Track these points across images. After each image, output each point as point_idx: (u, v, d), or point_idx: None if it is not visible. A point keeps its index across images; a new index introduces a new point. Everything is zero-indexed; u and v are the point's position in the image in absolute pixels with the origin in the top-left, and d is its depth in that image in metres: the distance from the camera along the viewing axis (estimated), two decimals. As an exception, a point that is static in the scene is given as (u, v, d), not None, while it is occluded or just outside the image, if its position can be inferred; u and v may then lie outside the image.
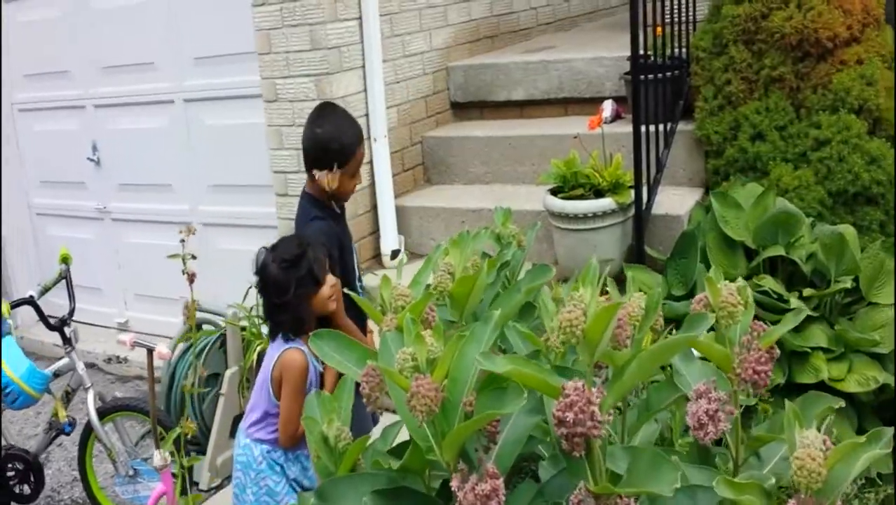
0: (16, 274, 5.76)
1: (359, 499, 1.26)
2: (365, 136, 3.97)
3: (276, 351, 2.40)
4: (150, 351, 2.87)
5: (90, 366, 5.19)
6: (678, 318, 3.07)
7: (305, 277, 2.35)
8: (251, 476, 2.43)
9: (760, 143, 3.49)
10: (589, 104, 4.15)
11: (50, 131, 5.43)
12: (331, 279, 2.42)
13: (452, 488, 1.12)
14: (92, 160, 5.22)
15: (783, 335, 2.75)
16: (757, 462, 1.34)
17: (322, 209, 2.66)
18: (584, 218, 3.34)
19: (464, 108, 4.57)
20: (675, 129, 3.63)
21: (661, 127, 3.50)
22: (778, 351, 1.32)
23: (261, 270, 2.41)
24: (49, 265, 5.71)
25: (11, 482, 3.40)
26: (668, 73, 3.59)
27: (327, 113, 2.70)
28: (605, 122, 3.90)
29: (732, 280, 3.08)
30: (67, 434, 3.47)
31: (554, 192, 3.49)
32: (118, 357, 5.31)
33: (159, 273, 4.48)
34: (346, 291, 2.10)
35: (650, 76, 3.43)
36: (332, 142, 2.58)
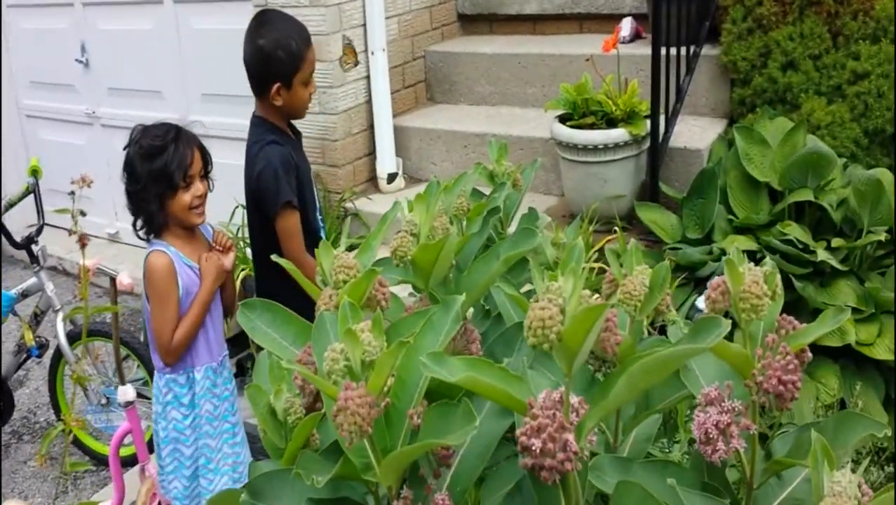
0: (6, 179, 5.55)
1: (296, 500, 1.06)
2: (361, 48, 3.68)
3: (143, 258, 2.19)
4: (112, 279, 2.66)
5: (63, 273, 5.07)
6: (692, 265, 2.84)
7: (159, 174, 2.09)
8: (159, 410, 2.25)
9: (792, 72, 3.16)
10: (607, 21, 3.80)
11: (39, 29, 5.13)
12: (198, 188, 2.14)
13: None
14: (80, 62, 4.93)
15: (805, 289, 2.52)
16: (777, 482, 1.12)
17: (276, 133, 2.38)
18: (595, 150, 3.06)
19: (472, 21, 4.22)
20: (698, 52, 3.30)
21: (683, 50, 3.17)
22: (810, 355, 1.08)
23: (126, 146, 2.16)
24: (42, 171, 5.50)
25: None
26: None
27: (266, 20, 2.40)
28: (623, 42, 3.57)
29: (754, 225, 2.83)
30: (37, 357, 3.32)
31: (563, 119, 3.19)
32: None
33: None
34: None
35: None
36: (276, 50, 2.30)
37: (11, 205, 3.13)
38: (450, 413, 0.91)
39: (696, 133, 3.31)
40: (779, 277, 1.07)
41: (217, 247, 2.27)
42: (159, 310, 2.13)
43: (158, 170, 2.10)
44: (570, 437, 0.83)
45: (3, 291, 3.01)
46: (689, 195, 3.01)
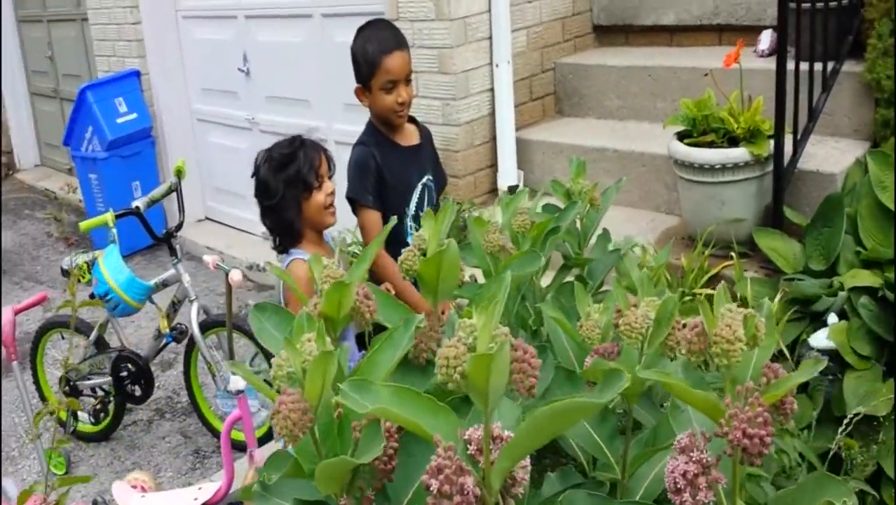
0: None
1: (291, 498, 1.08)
2: (487, 60, 3.70)
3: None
4: (227, 274, 2.84)
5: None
6: (807, 298, 2.63)
7: (294, 179, 2.21)
8: None
9: (947, 91, 2.86)
10: (747, 33, 3.59)
11: (208, 40, 5.55)
12: (329, 186, 2.26)
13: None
14: (242, 71, 5.29)
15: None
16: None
17: (372, 134, 2.52)
18: (712, 170, 2.90)
19: (607, 33, 4.13)
20: (838, 69, 3.04)
21: (818, 66, 2.93)
22: (795, 406, 0.98)
23: (255, 173, 2.29)
24: (207, 171, 5.95)
25: (124, 382, 3.56)
26: (836, 2, 3.00)
27: (364, 27, 2.53)
28: (762, 56, 3.36)
29: (883, 259, 2.59)
30: (172, 343, 3.57)
31: (683, 136, 3.05)
32: (258, 265, 5.46)
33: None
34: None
35: (812, 4, 2.87)
36: (356, 55, 2.46)
37: (154, 201, 3.37)
38: (371, 434, 0.90)
39: (832, 156, 3.06)
40: (762, 321, 0.97)
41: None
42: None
43: (293, 175, 2.23)
44: (469, 480, 0.81)
45: (140, 280, 3.26)
46: (814, 223, 2.79)
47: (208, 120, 5.82)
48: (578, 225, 2.12)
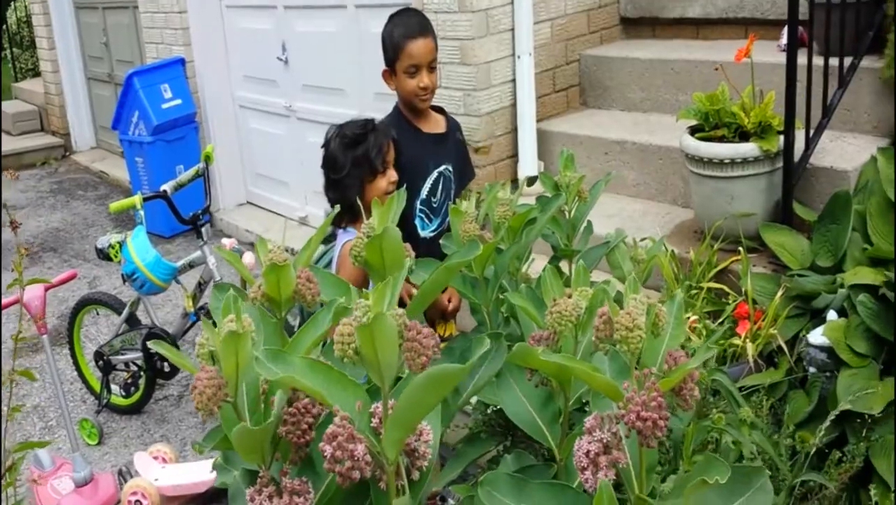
0: (221, 162, 6.21)
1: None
2: (509, 52, 3.74)
3: (338, 247, 2.36)
4: (240, 255, 2.95)
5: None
6: (807, 294, 2.63)
7: (361, 159, 2.32)
8: None
9: (968, 88, 2.81)
10: (773, 27, 3.56)
11: (250, 29, 5.70)
12: (392, 174, 2.37)
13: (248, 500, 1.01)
14: (281, 59, 5.42)
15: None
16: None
17: (395, 116, 2.64)
18: (721, 164, 2.90)
19: (634, 25, 4.12)
20: (856, 65, 3.00)
21: (834, 61, 2.91)
22: (697, 394, 1.03)
23: (325, 145, 2.41)
24: (248, 156, 6.11)
25: (154, 358, 3.72)
26: (859, -4, 2.96)
27: (395, 14, 2.66)
28: (783, 50, 3.32)
29: (888, 258, 2.57)
30: (194, 323, 3.71)
31: (696, 130, 3.06)
32: (293, 249, 5.61)
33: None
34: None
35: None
36: (385, 38, 2.58)
37: (181, 185, 3.51)
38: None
39: (848, 152, 3.04)
40: (663, 311, 1.02)
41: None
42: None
43: (361, 155, 2.36)
44: (360, 447, 0.88)
45: (166, 261, 3.40)
46: (822, 219, 2.78)
47: (249, 107, 5.98)
48: (569, 216, 2.17)
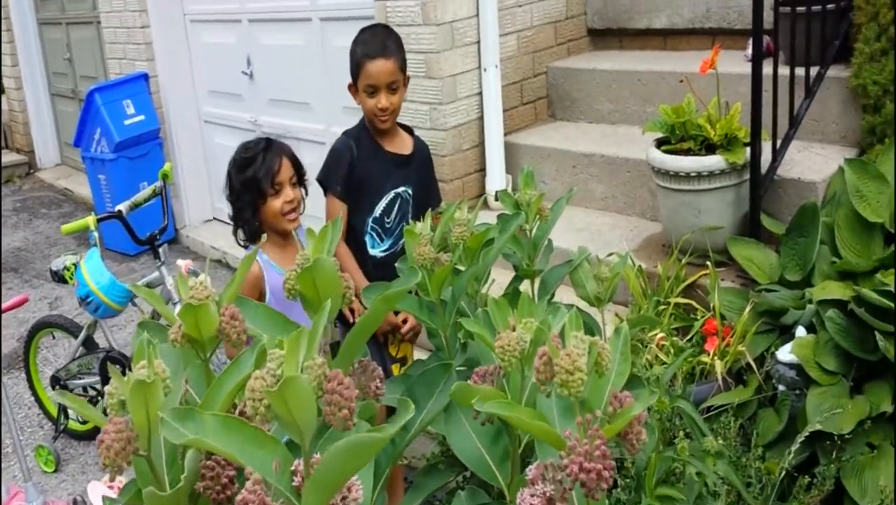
0: (186, 178, 6.09)
1: None
2: (475, 65, 3.68)
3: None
4: (195, 276, 2.86)
5: (226, 266, 5.46)
6: (775, 311, 2.58)
7: (249, 183, 2.28)
8: None
9: (934, 98, 2.77)
10: (739, 37, 3.53)
11: (214, 43, 5.60)
12: (288, 194, 2.31)
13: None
14: (246, 74, 5.32)
15: (888, 350, 2.21)
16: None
17: (359, 129, 2.59)
18: (687, 177, 2.85)
19: (602, 36, 4.08)
20: (822, 74, 2.97)
21: (800, 71, 2.87)
22: (645, 437, 0.95)
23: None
24: (215, 172, 5.99)
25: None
26: (825, 6, 2.92)
27: (364, 30, 2.61)
28: (749, 61, 3.28)
29: (858, 271, 2.52)
30: (155, 345, 3.60)
31: (662, 143, 3.01)
32: (261, 266, 5.49)
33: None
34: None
35: (798, 7, 2.81)
36: (350, 54, 2.53)
37: (137, 205, 3.40)
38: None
39: (815, 163, 2.99)
40: (607, 349, 0.95)
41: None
42: None
43: (249, 179, 2.30)
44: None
45: (121, 283, 3.28)
46: (790, 232, 2.73)
47: (215, 122, 5.87)
48: (530, 235, 2.10)
